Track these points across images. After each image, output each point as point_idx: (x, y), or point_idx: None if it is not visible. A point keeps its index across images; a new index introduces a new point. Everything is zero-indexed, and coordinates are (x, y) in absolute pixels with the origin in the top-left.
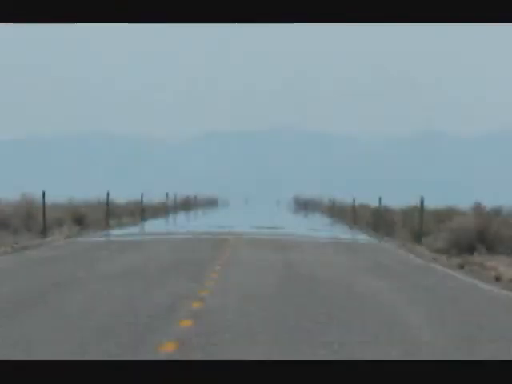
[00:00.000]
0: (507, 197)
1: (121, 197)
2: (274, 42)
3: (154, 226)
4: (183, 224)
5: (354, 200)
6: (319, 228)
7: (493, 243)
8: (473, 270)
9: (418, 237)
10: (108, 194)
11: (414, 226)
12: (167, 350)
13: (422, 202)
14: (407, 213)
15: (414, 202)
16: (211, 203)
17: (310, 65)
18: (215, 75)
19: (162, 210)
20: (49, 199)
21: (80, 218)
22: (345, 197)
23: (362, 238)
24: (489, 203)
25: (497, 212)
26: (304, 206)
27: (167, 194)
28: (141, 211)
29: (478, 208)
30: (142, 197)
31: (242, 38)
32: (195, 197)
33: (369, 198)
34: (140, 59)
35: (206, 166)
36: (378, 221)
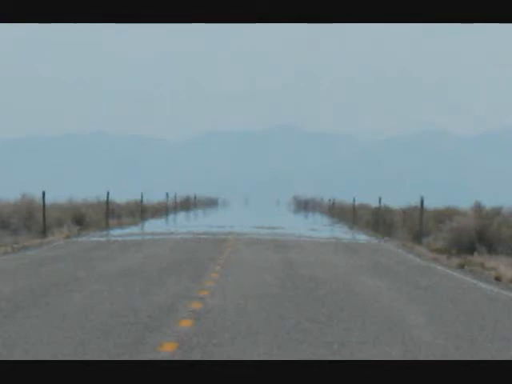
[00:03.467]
0: (507, 197)
1: (121, 197)
2: (274, 41)
3: (154, 225)
4: (183, 224)
5: (354, 200)
6: (319, 228)
7: (493, 243)
8: (473, 270)
9: (417, 237)
10: (108, 193)
11: (414, 225)
12: (167, 350)
13: (422, 202)
14: (407, 213)
15: (413, 201)
16: (211, 203)
17: (309, 65)
18: (215, 75)
19: (162, 209)
20: (49, 199)
21: (80, 217)
22: (345, 197)
23: (362, 237)
24: (489, 203)
25: (497, 212)
26: (304, 205)
27: (167, 194)
28: (141, 211)
29: (477, 208)
30: (142, 197)
31: (242, 38)
32: (195, 197)
33: (369, 197)
34: (140, 59)
35: (206, 166)
36: (378, 221)
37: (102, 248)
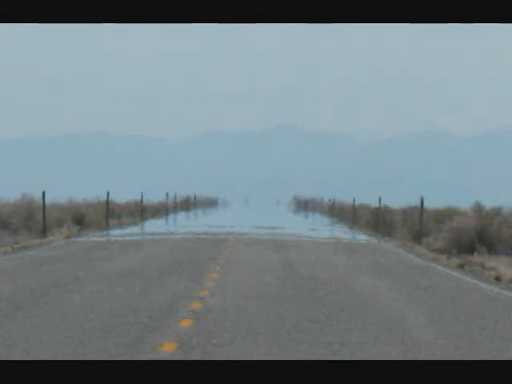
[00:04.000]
0: (507, 197)
1: (121, 197)
2: (274, 41)
3: (154, 225)
4: (183, 224)
5: (354, 200)
6: (319, 228)
7: (493, 243)
8: (473, 270)
9: (417, 237)
10: (108, 193)
11: (414, 225)
12: (167, 350)
13: (421, 202)
14: (407, 213)
15: (413, 201)
16: (211, 203)
17: (309, 65)
18: (215, 75)
19: (162, 209)
20: (49, 199)
21: (80, 217)
22: (345, 197)
23: (362, 237)
24: (489, 203)
25: (497, 212)
26: (304, 205)
27: (167, 194)
28: (141, 211)
29: (477, 208)
30: (141, 197)
31: (242, 38)
32: (195, 197)
33: (369, 197)
34: (140, 59)
35: (206, 166)
36: (378, 221)
37: (102, 248)
